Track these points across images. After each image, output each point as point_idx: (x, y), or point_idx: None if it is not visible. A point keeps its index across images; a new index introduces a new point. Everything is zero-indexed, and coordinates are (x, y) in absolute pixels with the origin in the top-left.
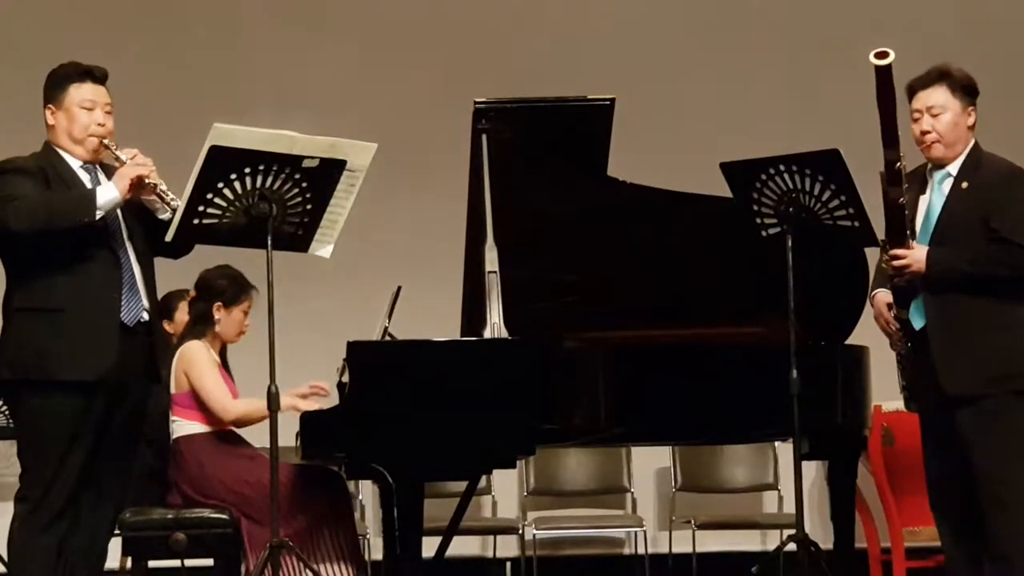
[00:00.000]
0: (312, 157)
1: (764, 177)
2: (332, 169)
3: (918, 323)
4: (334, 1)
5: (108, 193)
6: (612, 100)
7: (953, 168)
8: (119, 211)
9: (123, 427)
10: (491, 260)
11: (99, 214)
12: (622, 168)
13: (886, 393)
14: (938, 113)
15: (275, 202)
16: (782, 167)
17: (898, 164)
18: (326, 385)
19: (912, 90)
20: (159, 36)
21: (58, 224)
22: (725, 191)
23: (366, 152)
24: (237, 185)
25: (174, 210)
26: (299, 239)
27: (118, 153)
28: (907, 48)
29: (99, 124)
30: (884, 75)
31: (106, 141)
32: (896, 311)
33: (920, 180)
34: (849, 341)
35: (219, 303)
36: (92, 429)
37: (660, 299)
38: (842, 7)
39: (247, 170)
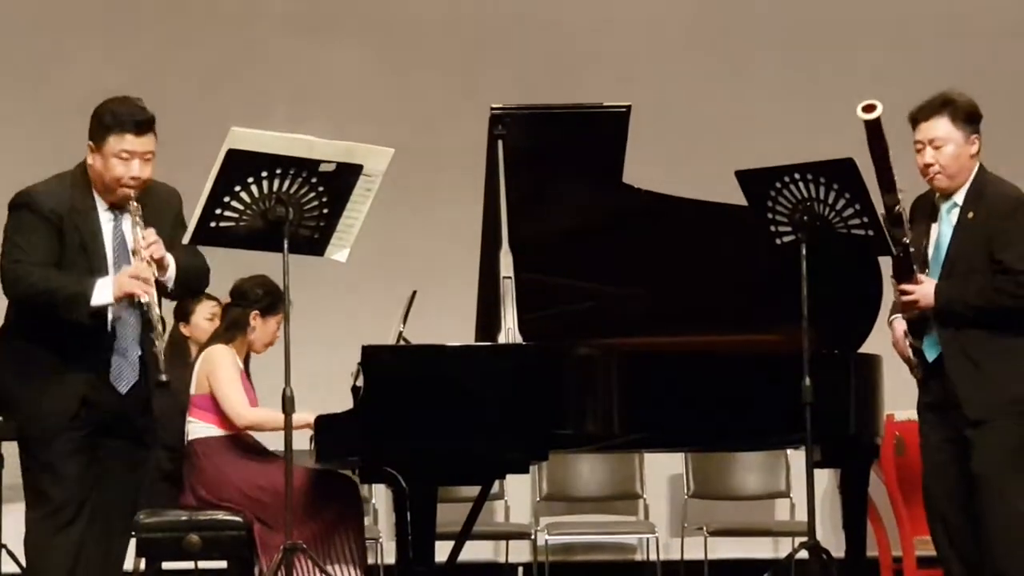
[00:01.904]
0: (329, 161)
1: (779, 185)
2: (349, 173)
3: (931, 355)
4: (350, 6)
5: (102, 297)
6: (628, 107)
7: (959, 197)
8: (130, 256)
9: (128, 435)
10: (506, 265)
11: (88, 312)
12: (637, 175)
13: (899, 402)
14: (940, 145)
15: (292, 206)
16: (797, 175)
17: (897, 207)
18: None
19: (915, 121)
20: (176, 39)
21: (47, 311)
22: (740, 199)
23: (383, 157)
24: (254, 189)
25: (152, 327)
26: (315, 243)
27: (139, 231)
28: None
29: (132, 177)
30: (874, 129)
31: (135, 200)
32: (911, 340)
33: (930, 207)
34: (862, 350)
35: (256, 312)
36: (89, 437)
37: (674, 305)
38: (857, 13)
39: (264, 174)
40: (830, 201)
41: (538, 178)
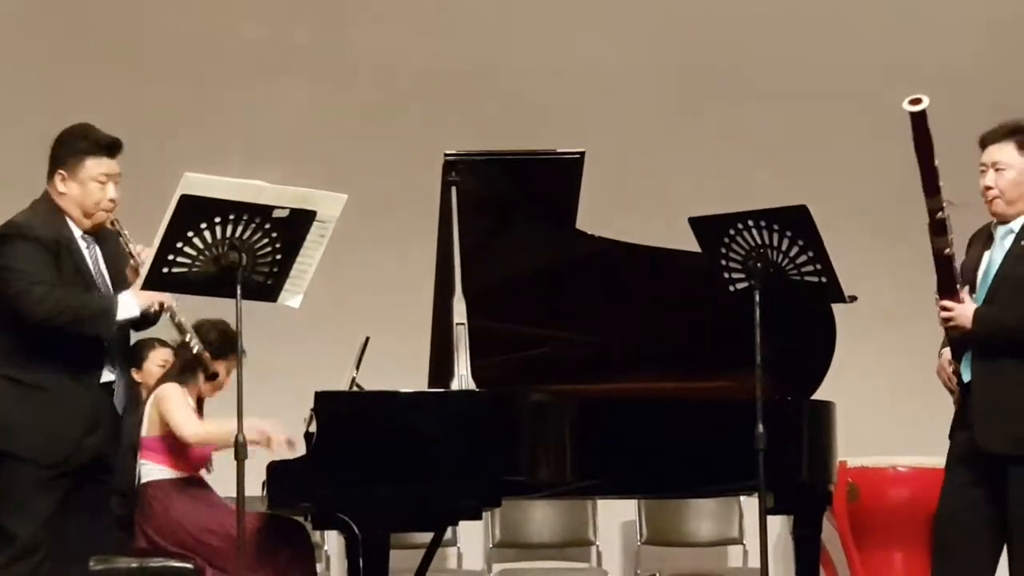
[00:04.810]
0: (282, 207)
1: (732, 232)
2: (302, 219)
3: (967, 376)
4: (304, 52)
5: (128, 311)
6: (582, 153)
7: (1016, 225)
8: (107, 282)
9: (92, 484)
10: (459, 312)
11: (114, 327)
12: (592, 222)
13: (851, 448)
14: (1002, 169)
15: (245, 252)
16: (750, 222)
17: (940, 213)
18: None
19: (983, 143)
20: (128, 84)
21: (75, 328)
22: (694, 245)
23: (336, 203)
24: (207, 234)
25: (184, 329)
26: (268, 289)
27: (131, 247)
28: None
29: (110, 200)
30: (919, 121)
31: (115, 219)
32: (953, 365)
33: (986, 236)
34: (816, 396)
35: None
36: (60, 486)
37: (627, 352)
38: (813, 68)
39: (217, 219)
40: (783, 248)
41: (491, 224)
